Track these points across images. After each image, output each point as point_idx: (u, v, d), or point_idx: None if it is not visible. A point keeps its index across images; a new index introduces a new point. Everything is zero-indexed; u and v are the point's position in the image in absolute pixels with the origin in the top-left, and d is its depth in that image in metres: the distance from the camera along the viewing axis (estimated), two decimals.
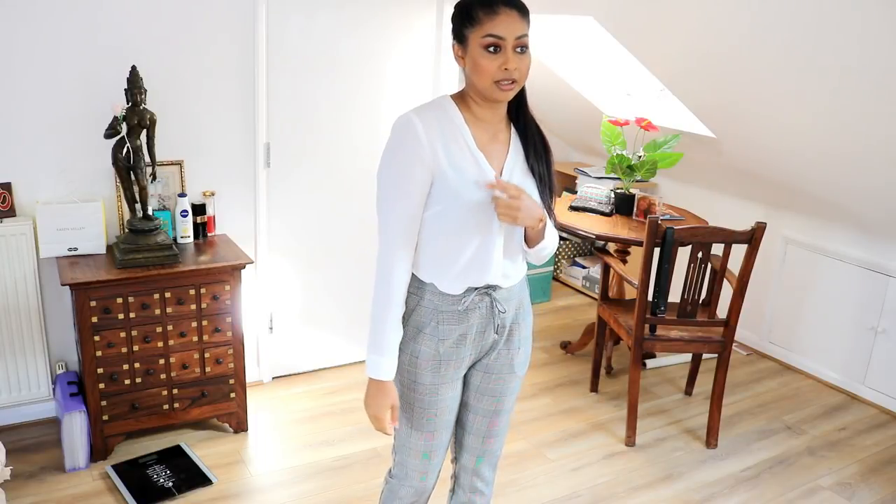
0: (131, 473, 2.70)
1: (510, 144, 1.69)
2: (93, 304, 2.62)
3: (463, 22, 1.58)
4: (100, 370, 2.68)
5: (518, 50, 1.56)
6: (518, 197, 1.57)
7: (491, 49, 1.55)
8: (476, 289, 1.69)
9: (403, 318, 1.71)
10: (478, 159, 1.63)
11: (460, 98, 1.67)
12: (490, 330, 1.74)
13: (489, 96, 1.59)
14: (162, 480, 2.67)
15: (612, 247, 3.65)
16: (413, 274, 1.70)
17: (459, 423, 1.89)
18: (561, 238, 5.00)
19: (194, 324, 2.82)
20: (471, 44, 1.57)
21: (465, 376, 1.82)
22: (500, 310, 1.72)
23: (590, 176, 4.53)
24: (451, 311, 1.69)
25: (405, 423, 1.81)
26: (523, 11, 1.58)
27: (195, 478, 2.70)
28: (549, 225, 1.71)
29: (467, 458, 1.91)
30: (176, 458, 2.81)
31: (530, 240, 1.72)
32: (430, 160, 1.60)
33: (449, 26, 1.67)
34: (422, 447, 1.81)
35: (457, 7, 1.61)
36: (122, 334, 2.69)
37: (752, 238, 2.88)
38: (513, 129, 1.72)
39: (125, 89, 2.68)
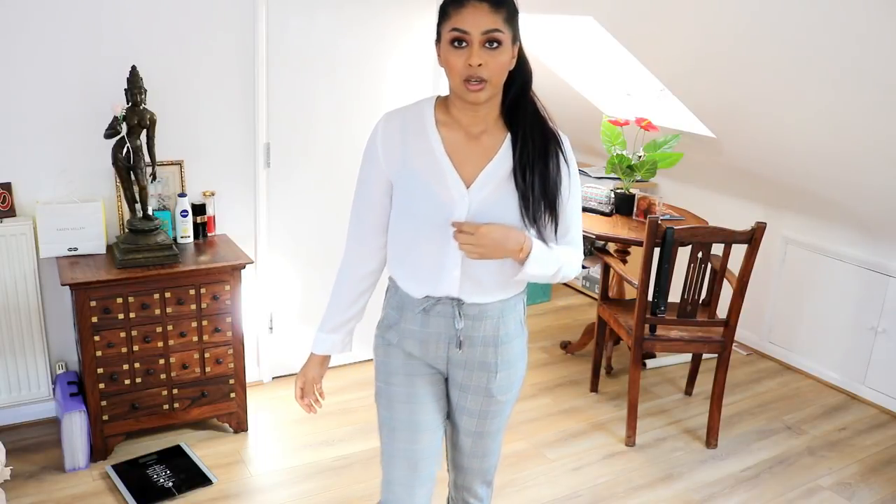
0: (131, 473, 2.70)
1: (498, 151, 1.56)
2: (93, 304, 2.62)
3: (439, 19, 1.51)
4: (100, 370, 2.68)
5: (487, 45, 1.44)
6: (474, 233, 1.48)
7: (455, 43, 1.45)
8: (437, 298, 1.62)
9: (384, 308, 1.74)
10: (441, 164, 1.54)
11: (444, 100, 1.60)
12: (453, 342, 1.65)
13: (462, 97, 1.50)
14: (162, 480, 2.67)
15: (612, 247, 3.65)
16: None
17: (450, 441, 1.83)
18: None
19: (194, 324, 2.82)
20: (442, 40, 1.49)
21: (448, 391, 1.76)
22: (457, 323, 1.62)
23: (590, 176, 4.53)
24: (413, 312, 1.65)
25: (385, 426, 1.75)
26: (496, 4, 1.45)
27: (195, 478, 2.70)
28: (540, 251, 1.55)
29: (460, 476, 1.85)
30: (176, 458, 2.81)
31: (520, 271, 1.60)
32: (384, 165, 1.58)
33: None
34: (404, 451, 1.72)
35: (439, 7, 1.54)
36: (122, 334, 2.69)
37: (752, 238, 2.88)
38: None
39: (125, 89, 2.68)
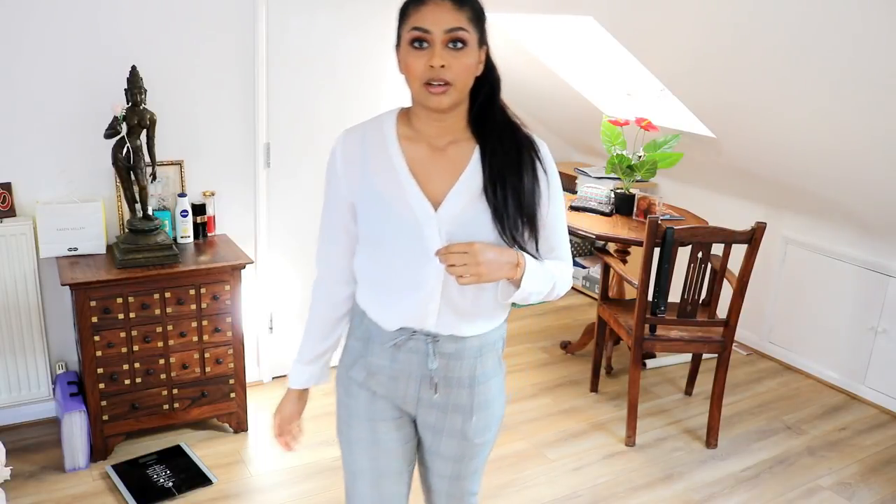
0: (131, 473, 2.70)
1: (468, 165, 1.41)
2: (93, 304, 2.62)
3: (399, 22, 1.38)
4: (100, 370, 2.68)
5: (450, 45, 1.31)
6: (468, 252, 1.32)
7: (416, 44, 1.32)
8: (413, 331, 1.46)
9: (346, 339, 1.61)
10: (403, 183, 1.39)
11: (407, 112, 1.46)
12: (425, 383, 1.50)
13: (423, 103, 1.36)
14: (162, 480, 2.67)
15: (612, 247, 3.65)
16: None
17: (423, 482, 1.69)
18: None
19: (194, 324, 2.82)
20: (402, 43, 1.36)
21: (419, 433, 1.60)
22: (432, 362, 1.46)
23: (590, 176, 4.53)
24: (383, 346, 1.49)
25: (347, 468, 1.63)
26: (459, 2, 1.33)
27: (195, 478, 2.70)
28: (534, 265, 1.42)
29: None
30: (176, 458, 2.81)
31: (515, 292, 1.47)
32: (345, 187, 1.45)
33: None
34: (366, 496, 1.58)
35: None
36: (122, 334, 2.69)
37: (752, 238, 2.88)
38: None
39: (125, 89, 2.68)
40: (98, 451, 2.75)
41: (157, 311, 2.74)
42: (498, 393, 1.58)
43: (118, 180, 2.81)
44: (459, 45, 1.32)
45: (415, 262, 1.40)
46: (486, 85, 1.42)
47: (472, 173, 1.40)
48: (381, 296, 1.48)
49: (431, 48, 1.31)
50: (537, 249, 1.45)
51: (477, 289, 1.43)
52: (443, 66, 1.31)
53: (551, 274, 1.47)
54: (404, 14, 1.36)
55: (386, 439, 1.56)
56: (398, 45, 1.38)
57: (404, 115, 1.46)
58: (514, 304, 1.54)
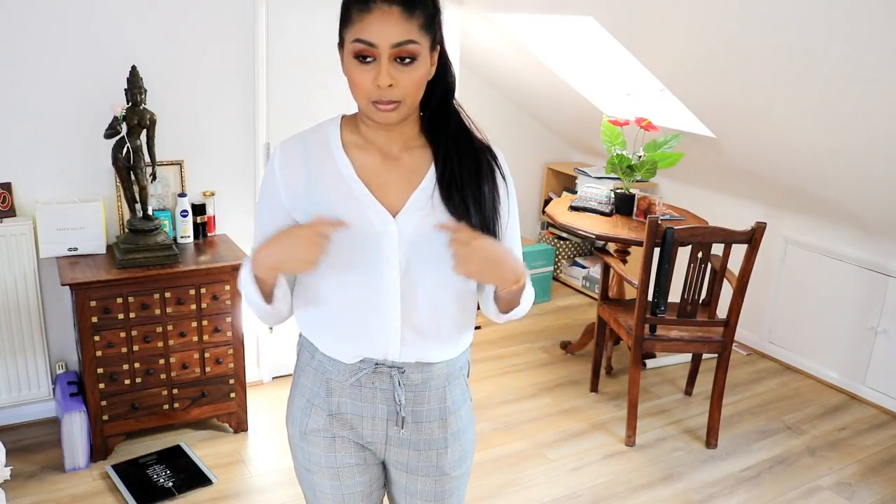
0: (131, 473, 2.70)
1: (427, 174, 1.30)
2: (93, 304, 2.62)
3: (341, 21, 1.25)
4: (100, 370, 2.68)
5: (398, 60, 1.18)
6: (468, 243, 1.19)
7: (360, 58, 1.20)
8: (376, 363, 1.33)
9: (294, 377, 1.46)
10: (355, 193, 1.26)
11: (352, 118, 1.35)
12: (392, 420, 1.36)
13: (370, 118, 1.25)
14: (162, 480, 2.67)
15: (612, 247, 3.65)
16: (301, 335, 1.44)
17: None
18: (560, 238, 5.00)
19: (194, 324, 2.82)
20: (345, 49, 1.23)
21: (387, 470, 1.47)
22: (398, 397, 1.33)
23: (590, 176, 4.52)
24: (343, 382, 1.35)
25: None
26: (410, 8, 1.17)
27: (195, 478, 2.70)
28: (529, 287, 1.34)
29: None
30: (176, 458, 2.81)
31: (501, 302, 1.35)
32: (286, 202, 1.30)
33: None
34: None
35: (341, 5, 1.27)
36: (122, 334, 2.69)
37: (752, 238, 2.88)
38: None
39: (125, 89, 2.68)
40: (98, 451, 2.75)
41: (157, 311, 2.74)
42: (469, 420, 1.46)
43: (118, 180, 2.81)
44: (408, 60, 1.19)
45: (372, 279, 1.28)
46: (440, 87, 1.30)
47: (431, 181, 1.29)
48: (335, 324, 1.33)
49: (377, 63, 1.18)
50: None
51: (433, 307, 1.31)
52: (390, 86, 1.18)
53: (531, 298, 1.37)
54: (347, 17, 1.22)
55: (351, 484, 1.42)
56: (340, 46, 1.26)
57: (349, 121, 1.34)
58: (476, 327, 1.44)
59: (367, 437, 1.39)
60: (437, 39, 1.25)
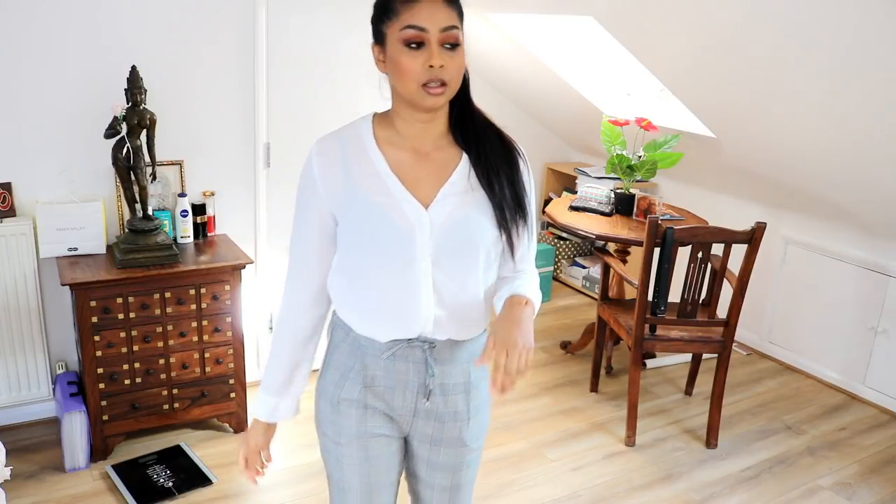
0: (131, 473, 2.70)
1: (457, 167, 1.39)
2: (93, 304, 2.62)
3: (380, 17, 1.32)
4: (100, 370, 2.68)
5: (446, 46, 1.28)
6: (514, 351, 1.30)
7: (412, 45, 1.27)
8: (407, 340, 1.42)
9: (326, 355, 1.54)
10: (390, 187, 1.35)
11: (384, 116, 1.43)
12: (422, 393, 1.46)
13: (417, 103, 1.32)
14: (162, 480, 2.67)
15: (612, 247, 3.65)
16: (335, 313, 1.52)
17: (415, 496, 1.64)
18: (560, 238, 5.01)
19: (194, 324, 2.82)
20: (389, 41, 1.31)
21: (409, 444, 1.56)
22: (430, 369, 1.43)
23: (590, 176, 4.53)
24: (377, 358, 1.45)
25: (335, 484, 1.57)
26: (451, 0, 1.30)
27: (195, 478, 2.70)
28: (533, 299, 1.44)
29: None
30: (176, 458, 2.81)
31: None
32: (325, 198, 1.40)
33: None
34: None
35: (375, 3, 1.36)
36: (122, 334, 2.69)
37: (752, 238, 2.88)
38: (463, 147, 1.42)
39: (125, 89, 2.68)
40: (98, 451, 2.75)
41: (157, 311, 2.74)
42: (486, 397, 1.56)
43: (118, 180, 2.82)
44: (453, 45, 1.29)
45: (406, 267, 1.36)
46: (462, 87, 1.39)
47: (461, 177, 1.39)
48: (371, 308, 1.42)
49: (427, 48, 1.27)
50: (527, 237, 1.46)
51: (462, 291, 1.40)
52: (441, 66, 1.27)
53: (537, 297, 1.47)
54: (390, 9, 1.29)
55: (377, 454, 1.51)
56: (380, 43, 1.33)
57: (381, 119, 1.42)
58: None
59: (398, 410, 1.48)
60: (463, 36, 1.34)
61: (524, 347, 1.31)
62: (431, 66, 1.27)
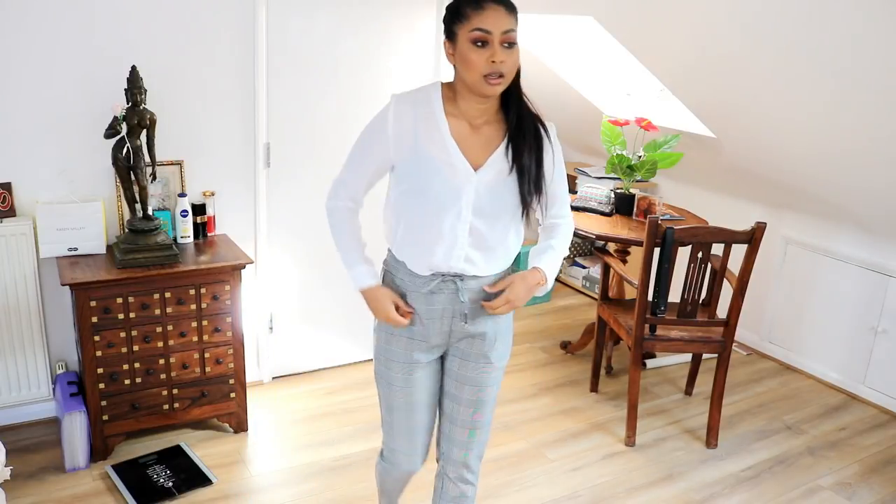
0: (131, 473, 2.70)
1: (502, 141, 1.74)
2: (93, 304, 2.62)
3: (453, 19, 1.65)
4: (100, 370, 2.68)
5: (505, 45, 1.61)
6: (505, 304, 1.79)
7: (479, 43, 1.61)
8: (442, 274, 1.79)
9: None
10: (449, 149, 1.70)
11: (448, 88, 1.74)
12: (457, 317, 1.83)
13: (478, 91, 1.65)
14: (162, 480, 2.67)
15: (612, 247, 3.65)
16: (390, 251, 1.88)
17: (445, 414, 1.97)
18: None
19: (194, 324, 2.82)
20: (459, 39, 1.64)
21: (444, 364, 1.93)
22: (462, 297, 1.80)
23: (590, 176, 4.53)
24: (418, 291, 1.81)
25: (385, 403, 1.96)
26: (510, 8, 1.64)
27: (195, 478, 2.70)
28: (550, 267, 1.85)
29: (455, 451, 1.97)
30: (176, 458, 2.81)
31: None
32: (392, 146, 1.73)
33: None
34: (404, 426, 1.95)
35: (448, 7, 1.68)
36: (122, 334, 2.69)
37: (752, 238, 2.88)
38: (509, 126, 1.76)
39: (125, 89, 2.68)
40: (98, 451, 2.75)
41: (157, 311, 2.74)
42: (510, 326, 1.93)
43: (118, 180, 2.81)
44: (512, 45, 1.62)
45: (452, 214, 1.73)
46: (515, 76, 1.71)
47: (502, 151, 1.74)
48: (421, 245, 1.78)
49: (491, 46, 1.60)
50: (541, 202, 1.83)
51: (492, 237, 1.77)
52: (501, 62, 1.60)
53: (561, 251, 1.89)
54: (461, 14, 1.63)
55: (419, 378, 1.89)
56: (451, 40, 1.67)
57: (447, 92, 1.74)
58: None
59: (436, 332, 1.85)
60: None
61: (511, 305, 1.80)
62: (493, 62, 1.60)
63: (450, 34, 1.67)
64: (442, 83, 1.76)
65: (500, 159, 1.73)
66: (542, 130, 1.78)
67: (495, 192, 1.74)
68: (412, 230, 1.79)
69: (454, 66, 1.69)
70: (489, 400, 1.94)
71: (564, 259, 5.00)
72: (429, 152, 1.71)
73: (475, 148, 1.73)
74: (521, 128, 1.74)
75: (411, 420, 1.94)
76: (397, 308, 1.83)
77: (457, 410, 1.93)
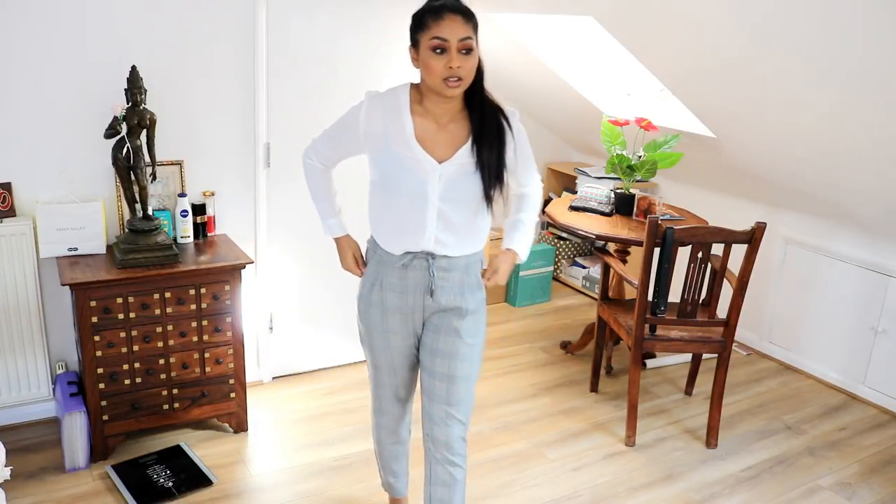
0: (131, 473, 2.70)
1: (467, 139, 1.90)
2: (93, 304, 2.62)
3: (416, 28, 1.83)
4: (100, 370, 2.68)
5: (462, 51, 1.78)
6: (495, 278, 2.05)
7: (438, 50, 1.77)
8: (414, 253, 1.97)
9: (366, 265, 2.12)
10: (413, 147, 1.88)
11: (416, 90, 1.92)
12: (427, 292, 2.00)
13: (440, 93, 1.82)
14: (162, 480, 2.67)
15: (612, 247, 3.65)
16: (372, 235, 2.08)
17: (424, 391, 2.10)
18: (560, 238, 5.01)
19: (194, 324, 2.82)
20: (421, 46, 1.81)
21: (421, 338, 2.08)
22: (432, 273, 1.97)
23: (590, 176, 4.53)
24: (394, 266, 2.00)
25: (370, 361, 2.18)
26: (468, 17, 1.80)
27: (195, 478, 2.70)
28: (522, 245, 2.07)
29: (437, 430, 2.07)
30: (176, 458, 2.81)
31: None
32: (363, 140, 1.94)
33: None
34: (387, 382, 2.17)
35: (412, 17, 1.85)
36: (122, 334, 2.69)
37: (752, 238, 2.88)
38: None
39: (125, 89, 2.68)
40: (98, 451, 2.75)
41: (157, 311, 2.74)
42: (482, 303, 2.08)
43: (118, 180, 2.81)
44: (469, 51, 1.79)
45: (419, 202, 1.91)
46: (477, 77, 1.88)
47: (468, 148, 1.90)
48: (392, 229, 1.98)
49: (448, 53, 1.77)
50: (501, 191, 1.98)
51: (456, 222, 1.95)
52: (458, 67, 1.77)
53: (531, 224, 2.10)
54: (422, 23, 1.80)
55: (395, 344, 2.08)
56: (415, 47, 1.84)
57: (415, 92, 1.91)
58: None
59: (410, 304, 2.02)
60: (477, 42, 1.84)
61: (494, 283, 2.05)
62: (451, 67, 1.77)
63: (414, 42, 1.84)
64: (411, 84, 1.93)
65: (465, 155, 1.90)
66: (504, 123, 1.93)
67: (460, 183, 1.91)
68: (385, 215, 1.99)
69: (419, 70, 1.84)
70: (462, 377, 2.03)
71: (564, 260, 5.02)
72: (395, 148, 1.88)
73: (442, 144, 1.90)
74: (484, 126, 1.90)
75: (394, 377, 2.15)
76: (356, 261, 2.13)
77: (433, 385, 2.05)
